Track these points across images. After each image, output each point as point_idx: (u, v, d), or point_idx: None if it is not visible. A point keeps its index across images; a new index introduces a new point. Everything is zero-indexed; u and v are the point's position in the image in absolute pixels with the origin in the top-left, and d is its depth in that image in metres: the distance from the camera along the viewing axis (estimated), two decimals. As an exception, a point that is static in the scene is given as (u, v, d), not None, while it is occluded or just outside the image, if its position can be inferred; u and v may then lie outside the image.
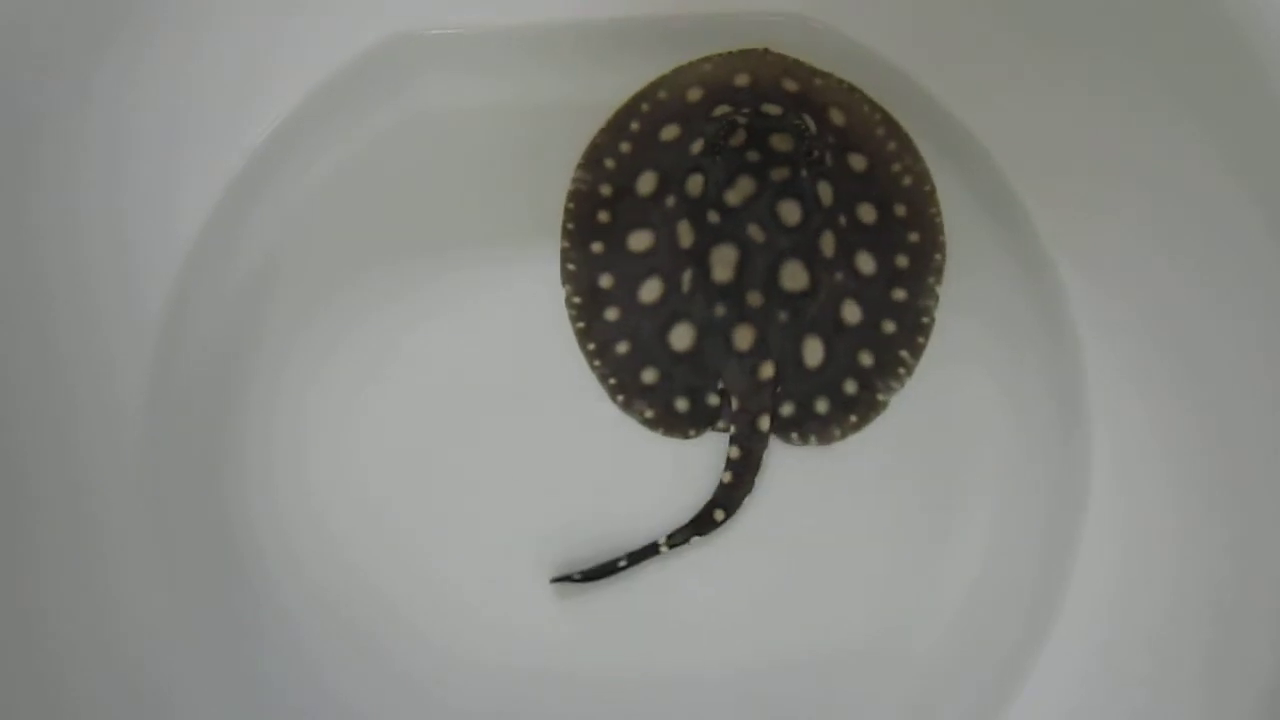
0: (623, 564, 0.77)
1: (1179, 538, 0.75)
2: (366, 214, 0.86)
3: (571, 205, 0.83)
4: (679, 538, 0.77)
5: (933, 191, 0.84)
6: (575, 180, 0.84)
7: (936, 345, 0.82)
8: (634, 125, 0.85)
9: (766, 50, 0.86)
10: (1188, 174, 0.73)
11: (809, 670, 0.78)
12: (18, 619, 0.69)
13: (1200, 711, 0.70)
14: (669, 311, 0.80)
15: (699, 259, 0.80)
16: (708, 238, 0.80)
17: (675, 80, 0.85)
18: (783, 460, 0.80)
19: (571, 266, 0.82)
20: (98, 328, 0.78)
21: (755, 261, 0.79)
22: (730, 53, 0.86)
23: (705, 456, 0.80)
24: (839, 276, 0.81)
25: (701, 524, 0.78)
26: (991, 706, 0.78)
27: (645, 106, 0.85)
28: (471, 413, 0.82)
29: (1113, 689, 0.75)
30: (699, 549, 0.79)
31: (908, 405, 0.81)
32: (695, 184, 0.81)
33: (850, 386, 0.80)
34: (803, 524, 0.80)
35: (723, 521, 0.78)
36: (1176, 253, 0.75)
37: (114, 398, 0.79)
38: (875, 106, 0.85)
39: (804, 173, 0.80)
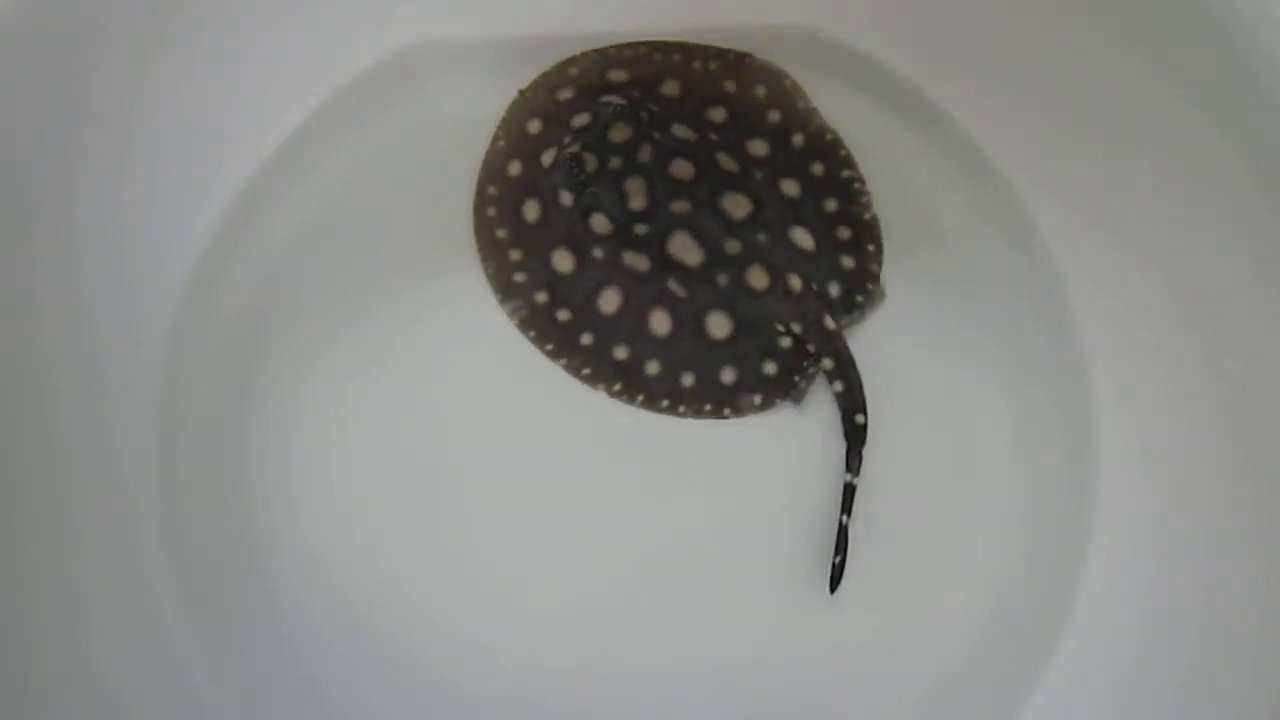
0: (846, 521, 0.77)
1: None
2: (376, 223, 0.86)
3: (531, 332, 0.82)
4: (855, 462, 0.78)
5: (732, 51, 0.88)
6: (511, 313, 0.82)
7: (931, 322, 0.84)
8: (500, 234, 0.83)
9: (521, 92, 0.86)
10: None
11: (817, 664, 0.77)
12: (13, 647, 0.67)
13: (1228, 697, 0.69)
14: (691, 319, 0.81)
15: (668, 265, 0.80)
16: (655, 246, 0.80)
17: (491, 169, 0.84)
18: (795, 459, 0.80)
19: (587, 370, 0.81)
20: (99, 343, 0.76)
21: (703, 225, 0.81)
22: (504, 119, 0.86)
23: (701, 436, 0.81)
24: (757, 175, 0.84)
25: (857, 437, 0.79)
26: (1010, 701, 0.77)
27: (491, 210, 0.84)
28: (490, 418, 0.81)
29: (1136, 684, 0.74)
30: (702, 557, 0.79)
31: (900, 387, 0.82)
32: (601, 223, 0.81)
33: (844, 232, 0.84)
34: (814, 524, 0.79)
35: (865, 423, 0.79)
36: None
37: (119, 413, 0.77)
38: (632, 45, 0.88)
39: (657, 135, 0.82)
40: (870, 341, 0.83)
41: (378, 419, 0.81)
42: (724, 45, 0.88)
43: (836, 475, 0.79)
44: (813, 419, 0.82)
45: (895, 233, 0.86)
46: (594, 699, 0.76)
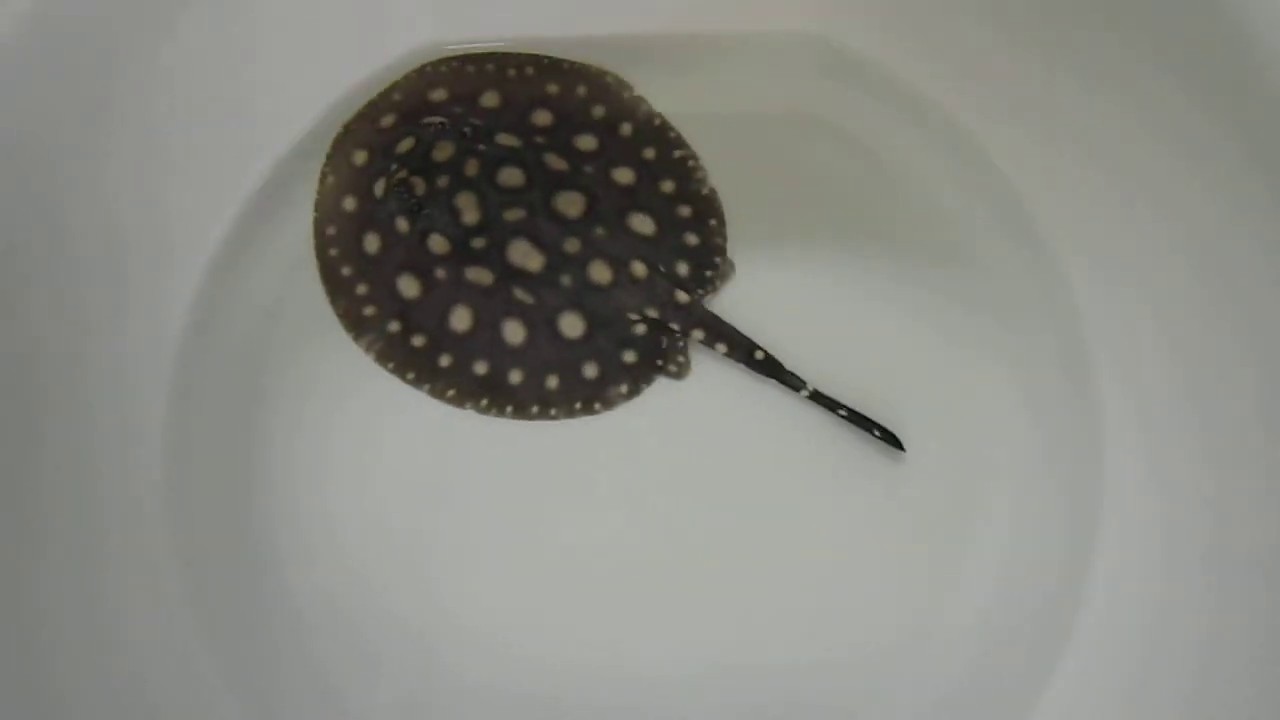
0: (845, 413, 0.79)
1: (1201, 506, 0.75)
2: None
3: (390, 364, 0.81)
4: (794, 379, 0.80)
5: (545, 57, 0.88)
6: (367, 347, 0.81)
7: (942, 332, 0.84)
8: (345, 271, 0.83)
9: (345, 127, 0.86)
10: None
11: (824, 672, 0.77)
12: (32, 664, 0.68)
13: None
14: (543, 324, 0.81)
15: (511, 274, 0.81)
16: (495, 257, 0.80)
17: (326, 208, 0.84)
18: (797, 466, 0.81)
19: (451, 392, 0.81)
20: (111, 343, 0.77)
21: (540, 228, 0.81)
22: (329, 154, 0.85)
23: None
24: (588, 169, 0.84)
25: (772, 368, 0.80)
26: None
27: (333, 250, 0.83)
28: (494, 431, 0.81)
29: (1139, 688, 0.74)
30: (713, 559, 0.79)
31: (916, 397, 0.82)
32: (439, 243, 0.81)
33: (684, 210, 0.85)
34: (820, 530, 0.80)
35: (767, 353, 0.80)
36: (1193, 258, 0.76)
37: (135, 419, 0.78)
38: (446, 60, 0.87)
39: (482, 147, 0.82)
40: (878, 344, 0.84)
41: (392, 416, 0.81)
42: (733, 52, 0.89)
43: (830, 467, 0.81)
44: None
45: (907, 237, 0.86)
46: (604, 697, 0.77)
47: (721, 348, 0.81)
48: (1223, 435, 0.74)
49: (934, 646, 0.78)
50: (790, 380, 0.80)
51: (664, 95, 0.88)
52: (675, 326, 0.81)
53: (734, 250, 0.85)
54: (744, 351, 0.81)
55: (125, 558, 0.75)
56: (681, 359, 0.82)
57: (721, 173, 0.87)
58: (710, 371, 0.83)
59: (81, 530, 0.73)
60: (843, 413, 0.80)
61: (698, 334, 0.81)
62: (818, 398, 0.80)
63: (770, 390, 0.82)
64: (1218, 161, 0.72)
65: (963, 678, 0.77)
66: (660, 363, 0.82)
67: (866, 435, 0.80)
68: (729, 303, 0.84)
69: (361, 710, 0.76)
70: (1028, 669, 0.77)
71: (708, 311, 0.82)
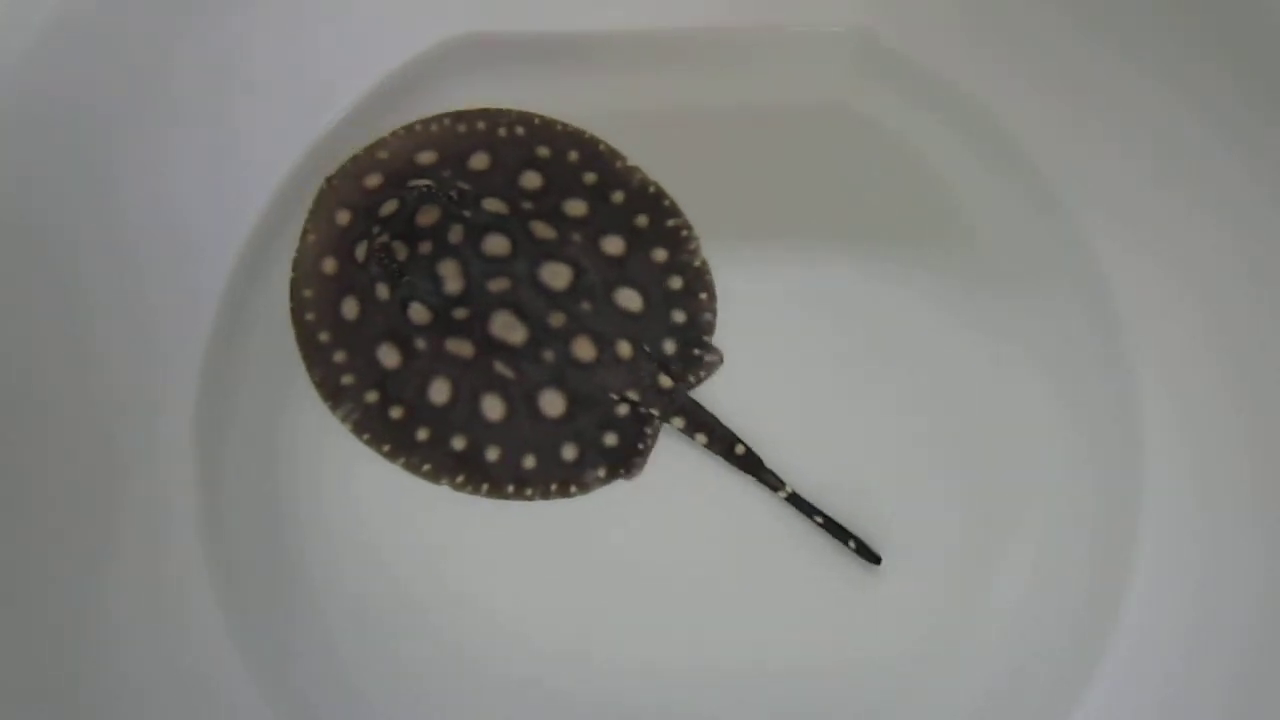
0: (820, 520, 0.77)
1: (1236, 512, 0.74)
2: None
3: (366, 435, 0.79)
4: (773, 479, 0.77)
5: (537, 116, 0.85)
6: (344, 418, 0.79)
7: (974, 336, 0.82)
8: (323, 337, 0.80)
9: (328, 180, 0.83)
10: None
11: (851, 679, 0.77)
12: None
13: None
14: (523, 400, 0.78)
15: (492, 347, 0.78)
16: (477, 328, 0.78)
17: (305, 268, 0.81)
18: (831, 482, 0.78)
19: (427, 467, 0.78)
20: (148, 332, 0.78)
21: (524, 301, 0.78)
22: (312, 210, 0.82)
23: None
24: (576, 237, 0.81)
25: (751, 465, 0.77)
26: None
27: (310, 315, 0.81)
28: None
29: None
30: (739, 566, 0.78)
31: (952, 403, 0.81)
32: (420, 313, 0.78)
33: (675, 282, 0.82)
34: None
35: (748, 449, 0.77)
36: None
37: (162, 417, 0.78)
38: (436, 119, 0.85)
39: (468, 214, 0.79)
40: (913, 349, 0.82)
41: None
42: (776, 48, 0.87)
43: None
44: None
45: (947, 245, 0.84)
46: (633, 693, 0.76)
47: (701, 439, 0.78)
48: (1269, 442, 0.73)
49: (968, 654, 0.77)
50: (769, 480, 0.77)
51: (699, 87, 0.87)
52: (655, 412, 0.78)
53: (736, 267, 0.84)
54: (724, 445, 0.78)
55: (144, 563, 0.75)
56: (639, 459, 0.79)
57: (746, 172, 0.86)
58: (691, 458, 0.80)
59: (101, 533, 0.74)
60: (818, 519, 0.77)
61: (678, 422, 0.78)
62: (795, 500, 0.77)
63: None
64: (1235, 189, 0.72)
65: (997, 686, 0.76)
66: (642, 446, 0.79)
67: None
68: (731, 316, 0.83)
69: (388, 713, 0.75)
70: (1068, 672, 0.75)
71: (690, 399, 0.79)
